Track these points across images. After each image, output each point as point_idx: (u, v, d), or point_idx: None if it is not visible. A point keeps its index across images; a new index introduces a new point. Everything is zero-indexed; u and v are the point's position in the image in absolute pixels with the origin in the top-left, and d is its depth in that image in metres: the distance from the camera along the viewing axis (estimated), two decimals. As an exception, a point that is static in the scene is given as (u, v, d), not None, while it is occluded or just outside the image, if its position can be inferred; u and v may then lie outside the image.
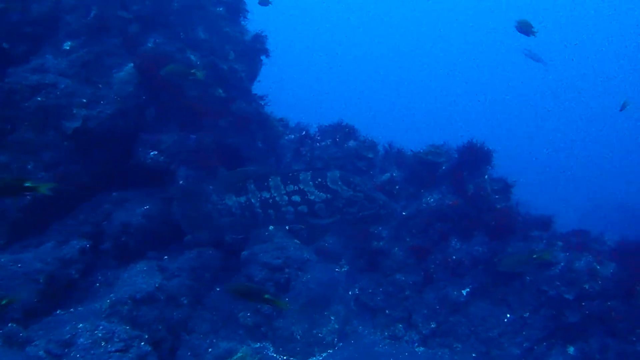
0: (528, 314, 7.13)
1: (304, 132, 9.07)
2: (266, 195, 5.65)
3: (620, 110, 7.98)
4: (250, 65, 9.38)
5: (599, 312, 6.79)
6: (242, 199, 5.76)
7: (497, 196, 7.69)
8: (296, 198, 5.54)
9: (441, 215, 7.67)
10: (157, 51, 7.93)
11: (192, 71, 7.04)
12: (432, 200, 7.83)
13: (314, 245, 7.85)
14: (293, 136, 9.13)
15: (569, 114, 57.19)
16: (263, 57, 9.68)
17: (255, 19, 9.97)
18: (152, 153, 7.37)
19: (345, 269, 7.87)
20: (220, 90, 8.23)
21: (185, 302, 6.49)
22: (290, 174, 5.66)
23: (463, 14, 69.14)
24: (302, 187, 5.54)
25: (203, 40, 8.69)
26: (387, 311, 7.45)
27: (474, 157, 7.73)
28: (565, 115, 56.99)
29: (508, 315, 7.16)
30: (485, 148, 7.72)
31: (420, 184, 8.03)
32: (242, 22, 9.63)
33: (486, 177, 7.80)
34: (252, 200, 5.70)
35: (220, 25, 8.99)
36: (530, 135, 51.15)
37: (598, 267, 6.98)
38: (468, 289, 7.28)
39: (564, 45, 59.64)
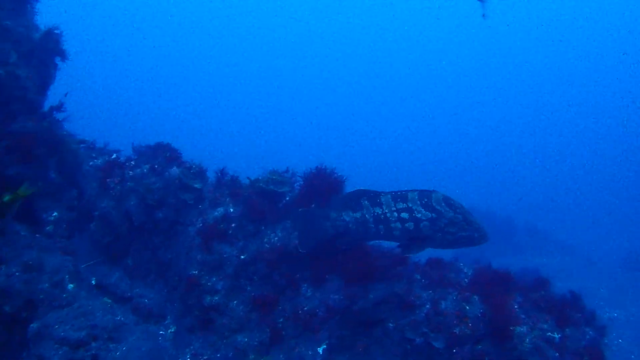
0: (393, 367, 6.12)
1: (113, 156, 7.21)
2: (378, 211, 5.99)
3: None
4: (40, 71, 7.39)
5: (471, 359, 5.98)
6: (358, 215, 6.08)
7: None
8: (404, 215, 5.87)
9: (288, 257, 6.39)
10: None
11: None
12: (276, 238, 6.50)
13: (131, 304, 6.20)
14: (100, 161, 7.23)
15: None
16: (58, 60, 7.72)
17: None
18: None
19: (172, 330, 6.28)
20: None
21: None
22: (399, 193, 6.02)
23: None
24: (410, 205, 5.87)
25: (-30, 36, 6.57)
26: (227, 381, 6.01)
27: (323, 185, 6.54)
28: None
29: (372, 372, 6.09)
30: (336, 175, 6.57)
31: (260, 220, 6.64)
32: (30, 15, 7.59)
33: (339, 208, 6.64)
34: (367, 216, 6.03)
35: (-4, 17, 6.90)
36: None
37: (467, 307, 6.18)
38: (324, 346, 6.07)
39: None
